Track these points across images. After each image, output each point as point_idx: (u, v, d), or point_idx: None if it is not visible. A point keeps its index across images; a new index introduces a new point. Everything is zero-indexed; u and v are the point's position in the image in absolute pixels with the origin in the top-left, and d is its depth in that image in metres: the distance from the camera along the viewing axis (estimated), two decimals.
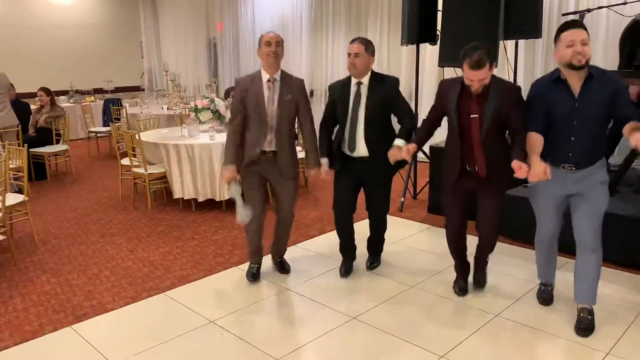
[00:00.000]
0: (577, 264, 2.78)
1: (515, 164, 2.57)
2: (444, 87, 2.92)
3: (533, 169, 2.53)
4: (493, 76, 2.74)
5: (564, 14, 4.80)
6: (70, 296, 3.38)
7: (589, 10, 4.17)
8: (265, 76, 3.19)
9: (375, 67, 8.44)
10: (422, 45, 5.50)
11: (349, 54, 3.20)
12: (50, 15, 10.71)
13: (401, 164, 3.21)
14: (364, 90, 3.23)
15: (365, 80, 3.23)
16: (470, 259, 3.30)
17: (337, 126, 3.40)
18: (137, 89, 11.97)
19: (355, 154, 3.28)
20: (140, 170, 5.24)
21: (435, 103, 2.98)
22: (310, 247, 4.13)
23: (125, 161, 5.58)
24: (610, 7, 4.29)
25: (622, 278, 3.41)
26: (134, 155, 5.36)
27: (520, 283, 3.38)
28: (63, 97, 9.96)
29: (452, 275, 3.37)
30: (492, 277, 3.41)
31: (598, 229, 2.67)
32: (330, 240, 4.20)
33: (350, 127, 3.25)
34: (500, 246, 3.45)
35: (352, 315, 3.05)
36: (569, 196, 2.75)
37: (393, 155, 2.99)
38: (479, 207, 3.01)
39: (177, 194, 5.14)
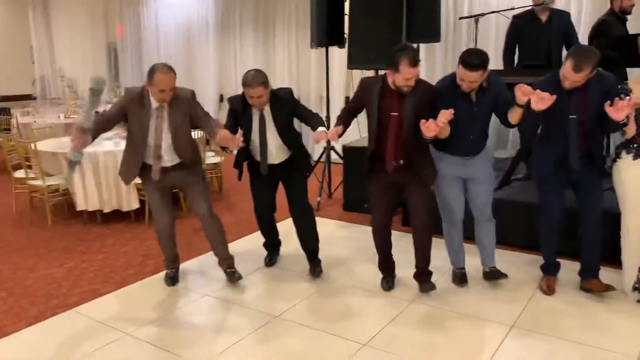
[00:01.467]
0: (481, 234, 3.27)
1: (422, 124, 2.73)
2: (366, 84, 3.02)
3: (439, 115, 2.72)
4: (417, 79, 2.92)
5: (461, 18, 5.13)
6: None
7: (482, 15, 4.51)
8: (153, 104, 3.06)
9: (285, 72, 8.42)
10: (331, 49, 5.62)
11: (252, 97, 3.15)
12: None
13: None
14: (267, 114, 3.27)
15: (267, 106, 3.27)
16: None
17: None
18: (28, 97, 11.04)
19: (271, 162, 3.35)
20: (38, 182, 4.84)
21: (354, 97, 3.11)
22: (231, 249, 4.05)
23: (20, 174, 5.12)
24: (500, 12, 4.65)
25: (523, 259, 3.70)
26: (29, 167, 4.94)
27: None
28: None
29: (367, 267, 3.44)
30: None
31: (491, 202, 3.21)
32: (251, 242, 4.15)
33: (260, 145, 3.29)
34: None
35: (274, 314, 3.02)
36: (466, 179, 3.14)
37: (318, 137, 3.01)
38: (409, 203, 3.13)
39: (80, 206, 4.80)
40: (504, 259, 3.52)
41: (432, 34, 5.17)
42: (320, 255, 3.60)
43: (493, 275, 3.29)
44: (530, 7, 4.40)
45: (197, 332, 2.88)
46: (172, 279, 3.47)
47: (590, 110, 2.83)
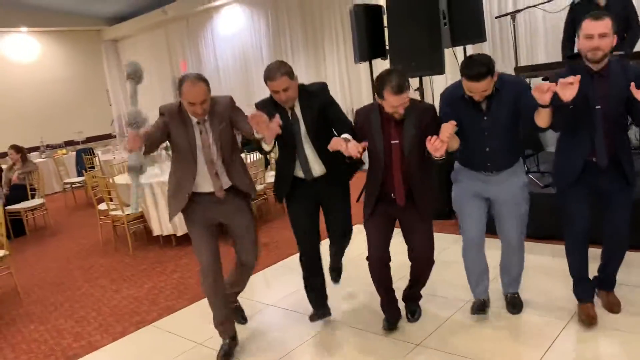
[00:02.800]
0: (506, 261, 2.92)
1: (428, 143, 2.43)
2: (362, 114, 2.78)
3: (441, 130, 2.45)
4: (411, 100, 2.64)
5: (497, 17, 5.13)
6: (59, 340, 3.47)
7: (518, 11, 4.49)
8: (194, 118, 2.74)
9: (337, 87, 8.62)
10: (375, 61, 5.79)
11: (277, 92, 2.73)
12: (15, 75, 10.85)
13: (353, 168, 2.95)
14: (298, 114, 2.85)
15: (296, 102, 2.84)
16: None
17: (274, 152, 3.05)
18: (108, 136, 12.08)
19: (311, 176, 2.91)
20: (118, 213, 5.35)
21: (356, 129, 2.78)
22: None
23: (103, 206, 5.68)
24: (537, 7, 4.60)
25: None
26: (111, 199, 5.47)
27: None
28: (34, 153, 10.00)
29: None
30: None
31: (523, 231, 2.82)
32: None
33: (298, 152, 2.87)
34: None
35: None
36: (489, 199, 2.80)
37: (336, 143, 2.56)
38: (409, 236, 2.84)
39: (156, 232, 5.26)
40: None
41: (477, 34, 5.19)
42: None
43: (515, 303, 2.97)
44: None
45: (265, 340, 3.10)
46: (226, 356, 2.89)
47: (615, 101, 2.49)
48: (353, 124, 2.81)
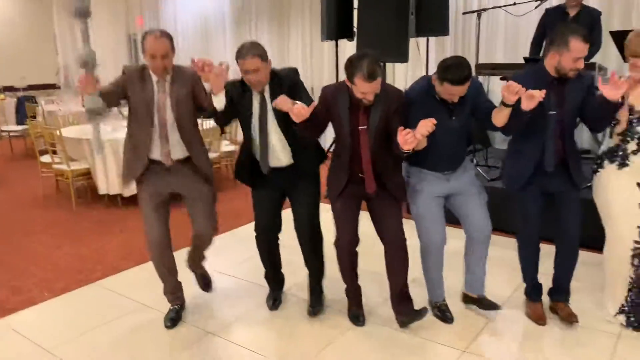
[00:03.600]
0: (472, 255, 2.82)
1: (400, 135, 2.35)
2: (329, 93, 2.64)
3: (418, 126, 2.38)
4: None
5: (464, 13, 5.28)
6: None
7: (484, 10, 4.64)
8: (154, 77, 2.71)
9: (300, 64, 8.58)
10: (341, 41, 5.81)
11: (247, 71, 2.62)
12: None
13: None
14: (267, 97, 2.73)
15: (266, 87, 2.74)
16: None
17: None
18: (52, 86, 11.46)
19: (275, 164, 2.81)
20: (63, 167, 5.15)
21: (319, 109, 2.58)
22: (241, 234, 4.30)
23: (45, 158, 5.44)
24: (502, 7, 4.78)
25: None
26: (55, 152, 5.26)
27: None
28: None
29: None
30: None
31: (488, 216, 2.77)
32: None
33: (261, 137, 2.76)
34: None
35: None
36: (449, 196, 2.79)
37: (280, 101, 2.50)
38: (380, 220, 2.74)
39: (102, 190, 5.11)
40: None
41: (441, 27, 5.34)
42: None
43: (485, 303, 2.89)
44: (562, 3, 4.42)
45: (211, 308, 3.14)
46: (172, 320, 2.92)
47: (570, 107, 2.59)
48: (318, 101, 2.62)
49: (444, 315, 2.89)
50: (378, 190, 2.68)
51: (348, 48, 7.16)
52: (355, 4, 5.38)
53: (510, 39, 6.12)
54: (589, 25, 4.23)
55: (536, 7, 4.51)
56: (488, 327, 2.81)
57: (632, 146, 2.60)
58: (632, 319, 2.74)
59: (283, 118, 2.66)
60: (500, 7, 4.82)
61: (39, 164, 5.49)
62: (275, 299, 3.12)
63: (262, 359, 2.59)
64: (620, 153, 2.64)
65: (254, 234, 2.97)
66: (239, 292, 3.30)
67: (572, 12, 4.29)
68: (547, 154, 2.61)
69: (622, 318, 2.77)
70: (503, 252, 3.35)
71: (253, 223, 2.95)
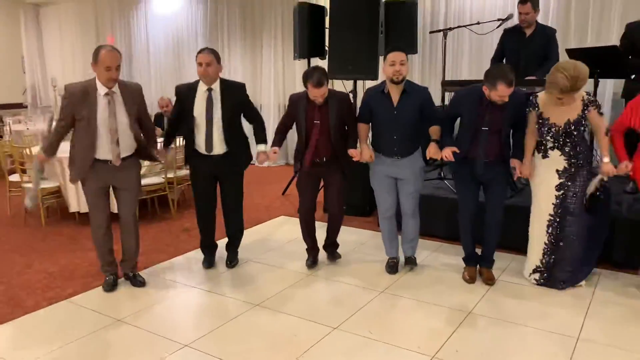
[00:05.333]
0: (405, 226, 3.71)
1: (351, 152, 3.46)
2: (294, 100, 3.62)
3: (363, 153, 3.47)
4: (330, 90, 3.50)
5: (431, 32, 5.47)
6: None
7: (450, 29, 4.84)
8: (102, 89, 3.18)
9: (272, 81, 8.71)
10: (313, 60, 5.93)
11: (200, 64, 3.45)
12: None
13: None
14: (216, 96, 3.53)
15: (216, 86, 3.53)
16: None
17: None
18: (19, 106, 11.25)
19: (213, 153, 3.59)
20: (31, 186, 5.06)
21: (287, 112, 3.69)
22: None
23: (14, 177, 5.35)
24: (467, 27, 4.99)
25: None
26: (24, 171, 5.18)
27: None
28: None
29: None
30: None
31: (416, 202, 3.64)
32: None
33: (206, 128, 3.53)
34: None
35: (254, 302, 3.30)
36: (397, 179, 3.57)
37: (262, 159, 3.68)
38: (328, 191, 3.73)
39: (73, 208, 5.04)
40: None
41: (409, 45, 5.50)
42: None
43: (410, 262, 3.79)
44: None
45: (181, 315, 3.14)
46: (112, 285, 3.51)
47: (503, 122, 3.24)
48: (285, 111, 3.73)
49: (391, 270, 3.74)
50: (328, 171, 3.62)
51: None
52: (327, 24, 5.52)
53: (475, 56, 6.38)
54: (544, 42, 4.47)
55: (498, 27, 4.73)
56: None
57: (549, 144, 3.30)
58: (543, 277, 3.45)
59: (228, 113, 3.54)
60: (464, 26, 5.03)
61: (7, 184, 5.39)
62: (209, 261, 3.93)
63: None
64: (542, 147, 3.33)
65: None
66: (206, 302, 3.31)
67: (528, 32, 4.53)
68: (478, 163, 3.31)
69: (536, 276, 3.48)
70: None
71: None
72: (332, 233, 3.89)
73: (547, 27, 4.74)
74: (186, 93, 3.58)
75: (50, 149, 3.32)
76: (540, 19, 5.71)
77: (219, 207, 3.83)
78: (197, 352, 2.76)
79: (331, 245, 3.94)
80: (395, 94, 3.41)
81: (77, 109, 3.16)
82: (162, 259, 4.12)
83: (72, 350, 2.79)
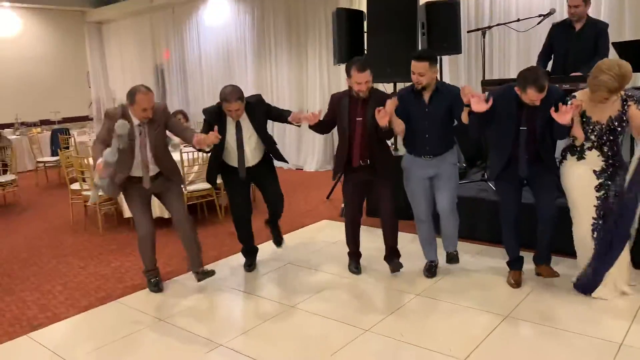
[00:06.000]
0: (443, 225, 3.62)
1: (377, 110, 3.25)
2: (335, 97, 3.62)
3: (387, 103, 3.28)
4: (373, 88, 3.46)
5: (469, 31, 5.37)
6: (24, 310, 3.55)
7: (489, 27, 4.73)
8: (135, 121, 3.43)
9: (317, 88, 8.79)
10: None
11: (230, 110, 3.59)
12: None
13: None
14: (243, 121, 3.68)
15: (244, 114, 3.68)
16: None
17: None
18: (85, 118, 12.02)
19: (248, 164, 3.75)
20: (90, 193, 5.40)
21: (328, 111, 3.67)
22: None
23: (75, 186, 5.73)
24: (506, 24, 4.86)
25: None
26: (84, 180, 5.53)
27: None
28: (8, 129, 9.91)
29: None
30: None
31: (454, 198, 3.56)
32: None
33: (238, 150, 3.69)
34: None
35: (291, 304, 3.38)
36: (431, 178, 3.53)
37: (296, 115, 3.71)
38: (378, 198, 3.65)
39: (127, 214, 5.32)
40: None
41: (453, 46, 5.42)
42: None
43: (452, 258, 3.73)
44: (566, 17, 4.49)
45: (228, 319, 3.26)
46: (157, 285, 3.73)
47: (539, 122, 3.14)
48: (328, 105, 3.66)
49: (429, 272, 3.70)
50: (375, 173, 3.52)
51: None
52: (365, 28, 5.55)
53: (523, 55, 6.18)
54: (594, 37, 4.26)
55: (539, 23, 4.57)
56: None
57: (587, 144, 3.18)
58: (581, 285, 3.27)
59: (259, 126, 3.73)
60: (504, 24, 4.91)
61: (69, 192, 5.78)
62: (251, 263, 4.07)
63: None
64: (579, 149, 3.20)
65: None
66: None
67: (578, 26, 4.33)
68: (521, 163, 3.22)
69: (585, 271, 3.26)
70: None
71: None
72: (390, 241, 3.76)
73: (598, 21, 4.51)
74: (215, 121, 3.64)
75: (111, 165, 3.41)
76: (591, 13, 5.50)
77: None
78: (231, 351, 2.87)
79: (392, 255, 3.79)
80: (426, 93, 3.40)
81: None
82: (207, 262, 4.28)
83: (117, 347, 2.99)
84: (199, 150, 3.74)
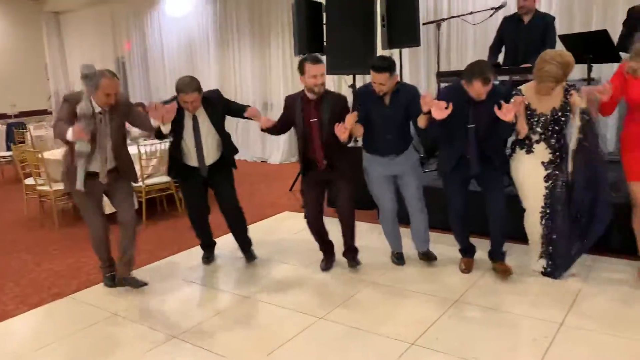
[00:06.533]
0: (413, 222, 3.64)
1: (336, 126, 3.18)
2: (289, 99, 3.57)
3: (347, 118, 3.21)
4: (326, 89, 3.43)
5: (424, 24, 5.45)
6: None
7: (443, 20, 4.82)
8: (96, 108, 3.25)
9: (280, 78, 8.76)
10: None
11: (185, 102, 3.45)
12: None
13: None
14: (200, 115, 3.55)
15: (201, 109, 3.55)
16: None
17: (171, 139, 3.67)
18: (44, 112, 11.67)
19: (206, 162, 3.63)
20: (46, 188, 5.29)
21: (281, 115, 3.59)
22: None
23: (30, 181, 5.59)
24: (460, 17, 4.96)
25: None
26: (39, 174, 5.40)
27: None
28: None
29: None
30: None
31: (421, 196, 3.58)
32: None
33: (196, 147, 3.57)
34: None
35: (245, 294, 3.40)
36: (395, 176, 3.53)
37: (252, 111, 3.61)
38: (337, 194, 3.59)
39: None
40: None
41: (412, 38, 5.49)
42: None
43: (427, 256, 3.74)
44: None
45: (183, 312, 3.26)
46: (112, 279, 3.63)
47: (486, 119, 3.15)
48: (283, 107, 3.59)
49: (398, 260, 3.76)
50: (334, 174, 3.48)
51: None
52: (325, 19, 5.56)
53: (480, 46, 6.29)
54: (542, 29, 4.41)
55: (490, 16, 4.69)
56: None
57: (535, 137, 3.25)
58: (549, 266, 3.37)
59: (217, 124, 3.62)
60: (457, 16, 5.01)
61: (23, 187, 5.64)
62: (209, 257, 4.04)
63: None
64: (527, 142, 3.27)
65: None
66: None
67: (526, 19, 4.48)
68: (472, 161, 3.24)
69: (542, 262, 3.41)
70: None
71: None
72: (348, 238, 3.72)
73: (546, 14, 4.68)
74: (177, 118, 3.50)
75: (88, 121, 3.23)
76: (544, 7, 5.65)
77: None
78: (185, 343, 2.87)
79: (350, 251, 3.76)
80: (386, 95, 3.37)
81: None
82: (166, 255, 4.25)
83: (68, 343, 2.95)
84: (157, 134, 3.49)
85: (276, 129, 3.60)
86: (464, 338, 2.76)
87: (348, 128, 3.16)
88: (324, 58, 5.45)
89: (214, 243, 4.14)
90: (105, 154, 3.34)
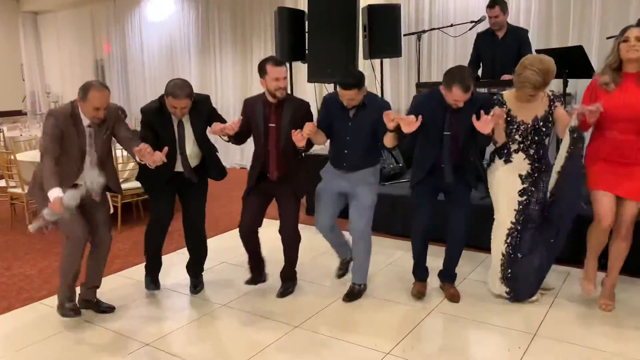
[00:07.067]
0: (354, 249, 3.37)
1: (293, 133, 3.00)
2: (248, 102, 3.30)
3: (305, 126, 3.03)
4: (288, 94, 3.22)
5: (405, 35, 5.51)
6: None
7: (424, 31, 4.88)
8: (85, 121, 3.00)
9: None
10: (295, 64, 6.00)
11: (175, 107, 3.12)
12: None
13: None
14: (185, 121, 3.25)
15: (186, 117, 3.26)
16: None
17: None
18: (18, 113, 11.42)
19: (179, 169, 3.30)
20: (17, 190, 5.17)
21: (243, 117, 3.21)
22: None
23: (1, 183, 5.45)
24: (440, 29, 5.03)
25: None
26: (10, 176, 5.27)
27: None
28: None
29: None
30: None
31: (368, 220, 3.25)
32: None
33: (180, 153, 3.25)
34: None
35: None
36: (344, 194, 3.29)
37: (215, 127, 3.13)
38: (282, 210, 3.30)
39: None
40: None
41: (394, 49, 5.55)
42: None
43: (352, 295, 3.37)
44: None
45: (156, 319, 3.21)
46: (74, 310, 3.12)
47: (463, 128, 3.03)
48: (242, 111, 3.31)
49: (342, 269, 3.67)
50: (282, 188, 3.24)
51: (302, 70, 7.37)
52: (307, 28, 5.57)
53: (460, 58, 6.38)
54: (517, 43, 4.51)
55: (470, 29, 4.76)
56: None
57: (514, 146, 3.15)
58: (508, 293, 3.23)
59: (200, 134, 3.30)
60: (438, 28, 5.08)
61: None
62: (155, 281, 3.62)
63: None
64: (505, 151, 3.17)
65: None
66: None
67: (500, 34, 4.60)
68: (446, 170, 3.11)
69: (504, 287, 3.25)
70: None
71: None
72: (288, 263, 3.44)
73: (518, 27, 4.81)
74: (157, 117, 3.24)
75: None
76: (521, 19, 5.78)
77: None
78: (157, 351, 2.82)
79: (288, 276, 3.48)
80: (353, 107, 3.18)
81: (67, 135, 2.95)
82: (140, 262, 4.17)
83: (36, 350, 2.87)
84: (138, 163, 3.12)
85: (239, 136, 3.24)
86: (440, 347, 2.76)
87: (305, 136, 3.00)
88: (305, 68, 5.55)
89: (161, 264, 3.67)
90: (92, 169, 3.03)
